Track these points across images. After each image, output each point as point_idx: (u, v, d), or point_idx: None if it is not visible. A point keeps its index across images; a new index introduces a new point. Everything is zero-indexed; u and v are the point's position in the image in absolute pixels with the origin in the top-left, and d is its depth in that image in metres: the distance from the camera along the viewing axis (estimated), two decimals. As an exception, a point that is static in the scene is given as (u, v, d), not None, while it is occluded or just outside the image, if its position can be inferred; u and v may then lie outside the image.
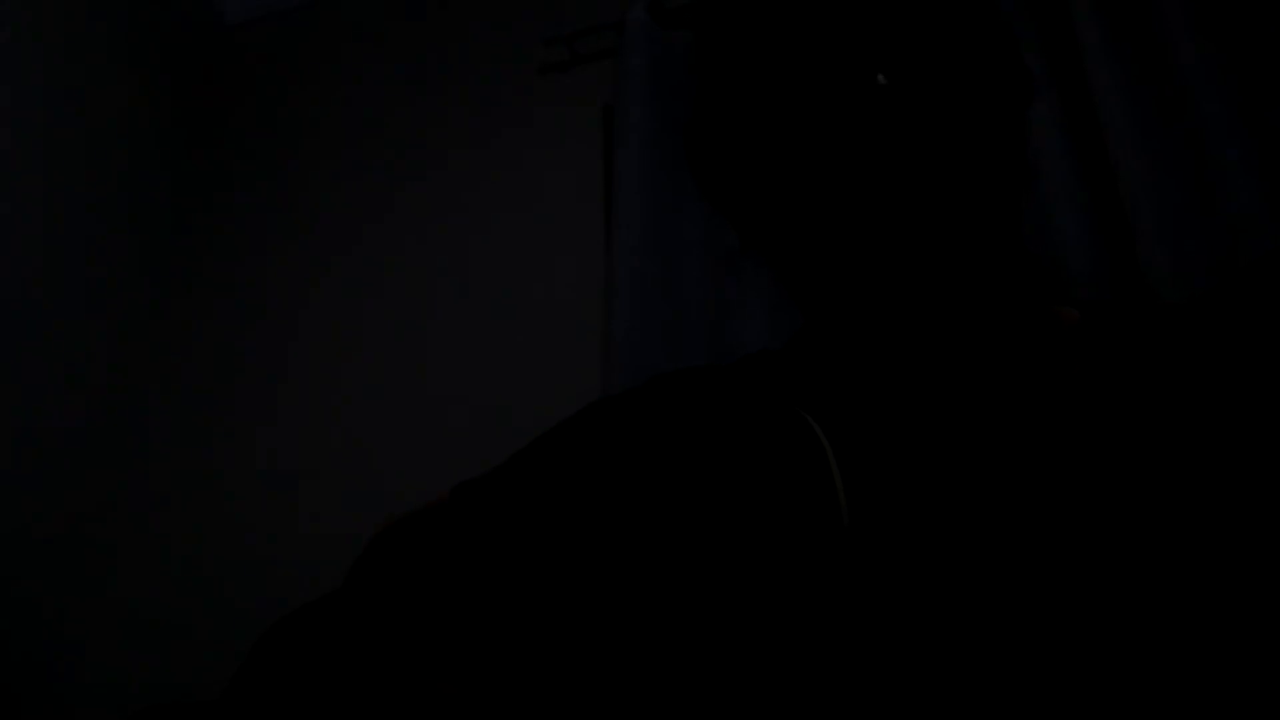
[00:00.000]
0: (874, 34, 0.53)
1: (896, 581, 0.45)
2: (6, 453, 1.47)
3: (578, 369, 1.41)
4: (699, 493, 0.52)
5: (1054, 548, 0.43)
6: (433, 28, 1.94)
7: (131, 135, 1.81)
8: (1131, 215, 1.24)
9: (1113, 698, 0.42)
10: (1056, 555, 0.43)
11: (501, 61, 1.83)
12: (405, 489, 0.90)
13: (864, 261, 0.54)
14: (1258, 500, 0.44)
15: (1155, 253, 1.20)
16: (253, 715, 0.48)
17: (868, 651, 0.44)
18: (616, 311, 1.38)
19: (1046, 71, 1.37)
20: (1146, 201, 1.23)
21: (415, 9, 1.98)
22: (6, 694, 1.41)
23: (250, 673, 0.50)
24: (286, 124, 1.94)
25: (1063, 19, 1.40)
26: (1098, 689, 0.42)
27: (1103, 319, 0.58)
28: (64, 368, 1.59)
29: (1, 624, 1.42)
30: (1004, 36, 0.59)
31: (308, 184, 1.85)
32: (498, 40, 1.86)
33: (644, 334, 1.36)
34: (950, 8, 0.56)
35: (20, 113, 1.59)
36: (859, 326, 0.58)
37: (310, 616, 0.52)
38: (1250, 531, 0.43)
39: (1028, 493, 0.45)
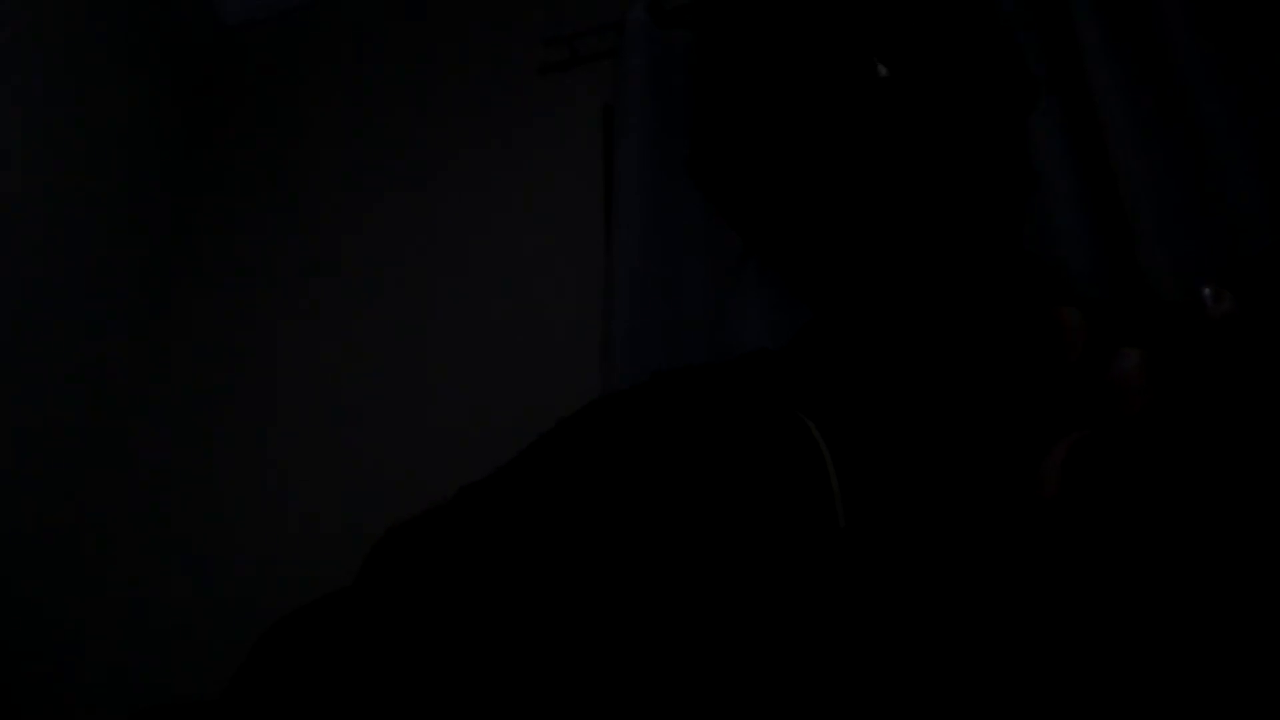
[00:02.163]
0: (874, 26, 0.53)
1: (892, 584, 0.46)
2: (6, 452, 1.47)
3: (578, 369, 1.41)
4: (698, 496, 0.52)
5: (1052, 551, 0.43)
6: (433, 28, 1.94)
7: (131, 135, 1.81)
8: (1131, 216, 1.24)
9: (1106, 699, 0.42)
10: (1055, 559, 0.43)
11: (501, 61, 1.83)
12: (405, 488, 0.90)
13: (866, 259, 0.54)
14: (1264, 502, 0.44)
15: (1155, 253, 1.20)
16: (253, 715, 0.48)
17: (862, 652, 0.44)
18: (616, 311, 1.38)
19: (1047, 73, 1.37)
20: (1146, 202, 1.23)
21: (415, 9, 1.98)
22: (6, 694, 1.41)
23: (250, 672, 0.50)
24: (286, 124, 1.94)
25: (1063, 20, 1.40)
26: (1091, 690, 0.42)
27: (1104, 318, 0.58)
28: (64, 367, 1.59)
29: (1, 624, 1.43)
30: (1007, 39, 0.59)
31: (307, 183, 1.85)
32: (498, 40, 1.86)
33: (644, 334, 1.36)
34: (952, 5, 0.56)
35: (20, 113, 1.59)
36: (860, 326, 0.58)
37: (311, 616, 0.52)
38: (1255, 531, 0.43)
39: (1026, 495, 0.45)
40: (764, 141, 0.56)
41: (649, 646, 0.46)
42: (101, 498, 1.58)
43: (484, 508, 0.55)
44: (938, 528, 0.47)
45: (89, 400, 1.62)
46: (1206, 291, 0.37)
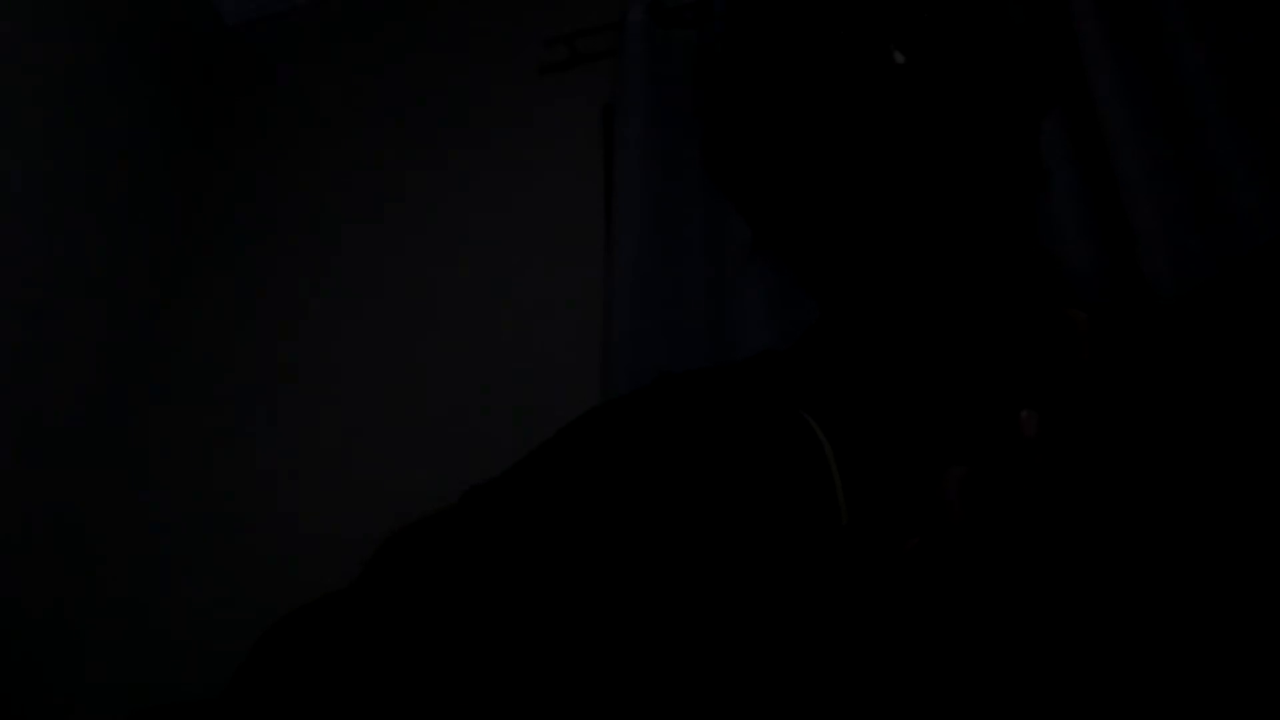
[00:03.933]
0: (891, 13, 0.53)
1: (895, 580, 0.45)
2: (6, 453, 1.47)
3: (578, 369, 1.41)
4: (704, 497, 0.52)
5: (1054, 549, 0.43)
6: (433, 28, 1.94)
7: (132, 136, 1.81)
8: (1132, 216, 1.24)
9: (1107, 696, 0.42)
10: (1056, 558, 0.43)
11: (501, 61, 1.83)
12: (404, 488, 0.90)
13: (877, 252, 0.54)
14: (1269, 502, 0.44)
15: (1155, 253, 1.20)
16: (253, 715, 0.48)
17: (866, 647, 0.44)
18: (616, 311, 1.38)
19: (1047, 73, 1.37)
20: (1146, 202, 1.23)
21: (416, 9, 1.98)
22: (6, 694, 1.41)
23: (251, 672, 0.50)
24: (286, 125, 1.94)
25: (1063, 20, 1.40)
26: (1092, 687, 0.42)
27: (1110, 321, 0.58)
28: (63, 367, 1.59)
29: (1, 624, 1.42)
30: (1023, 39, 0.59)
31: (307, 184, 1.85)
32: (498, 40, 1.86)
33: (644, 334, 1.36)
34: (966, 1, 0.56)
35: (21, 114, 1.59)
36: (870, 323, 0.58)
37: (312, 616, 0.52)
38: (1262, 535, 0.43)
39: (1028, 495, 0.45)
40: (777, 129, 0.56)
41: (654, 646, 0.46)
42: (101, 498, 1.58)
43: (491, 511, 0.55)
44: (940, 526, 0.47)
45: (88, 400, 1.62)
46: (1024, 414, 0.42)
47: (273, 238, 1.81)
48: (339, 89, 1.94)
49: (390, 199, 1.77)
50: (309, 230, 1.80)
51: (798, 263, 0.60)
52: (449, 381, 1.55)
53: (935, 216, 0.52)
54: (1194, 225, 1.22)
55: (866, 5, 0.54)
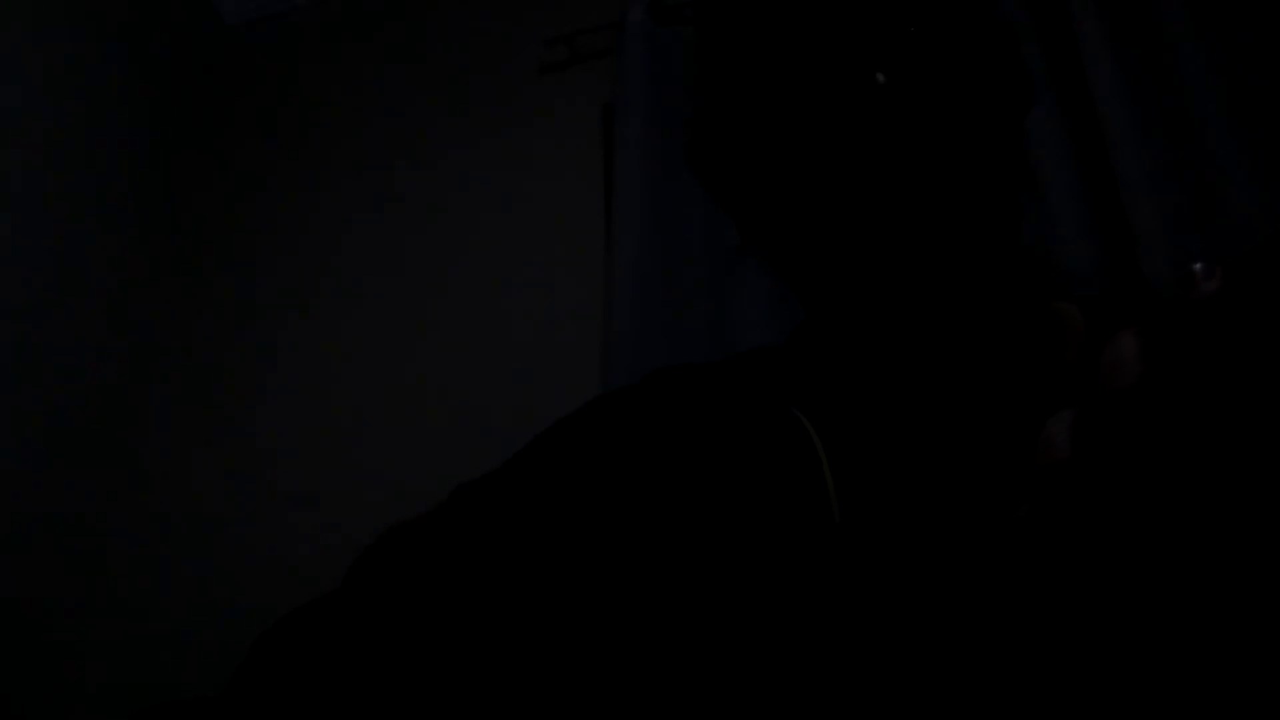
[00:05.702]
0: (873, 32, 0.53)
1: (887, 577, 0.46)
2: (6, 452, 1.47)
3: (578, 369, 1.41)
4: (692, 493, 0.52)
5: (1049, 546, 0.43)
6: (433, 28, 1.94)
7: (131, 136, 1.81)
8: (1131, 216, 1.24)
9: (1099, 692, 0.42)
10: (1052, 554, 0.43)
11: (501, 61, 1.83)
12: (403, 488, 0.89)
13: (862, 259, 0.54)
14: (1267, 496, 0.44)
15: (1155, 253, 1.20)
16: (252, 715, 0.48)
17: (858, 645, 0.44)
18: (616, 311, 1.38)
19: (1046, 73, 1.37)
20: (1146, 202, 1.23)
21: (416, 9, 1.98)
22: (6, 694, 1.41)
23: (249, 672, 0.50)
24: (285, 125, 1.94)
25: (1062, 20, 1.40)
26: (1083, 684, 0.42)
27: (1101, 313, 0.58)
28: (64, 367, 1.59)
29: (1, 623, 1.42)
30: (1005, 39, 0.59)
31: (307, 184, 1.85)
32: (498, 40, 1.86)
33: (644, 334, 1.36)
34: (950, 8, 0.56)
35: (20, 114, 1.59)
36: (857, 324, 0.58)
37: (309, 617, 0.52)
38: (1256, 527, 0.43)
39: (1021, 490, 0.45)
40: (760, 134, 0.56)
41: (642, 644, 0.46)
42: (101, 498, 1.58)
43: (481, 507, 0.55)
44: (935, 521, 0.47)
45: (89, 400, 1.62)
46: (1198, 267, 0.36)
47: (273, 237, 1.81)
48: (339, 89, 1.94)
49: (390, 199, 1.77)
50: (309, 230, 1.80)
51: (781, 262, 0.60)
52: (449, 381, 1.55)
53: (915, 217, 0.52)
54: (1194, 225, 1.22)
55: (851, 25, 0.54)
